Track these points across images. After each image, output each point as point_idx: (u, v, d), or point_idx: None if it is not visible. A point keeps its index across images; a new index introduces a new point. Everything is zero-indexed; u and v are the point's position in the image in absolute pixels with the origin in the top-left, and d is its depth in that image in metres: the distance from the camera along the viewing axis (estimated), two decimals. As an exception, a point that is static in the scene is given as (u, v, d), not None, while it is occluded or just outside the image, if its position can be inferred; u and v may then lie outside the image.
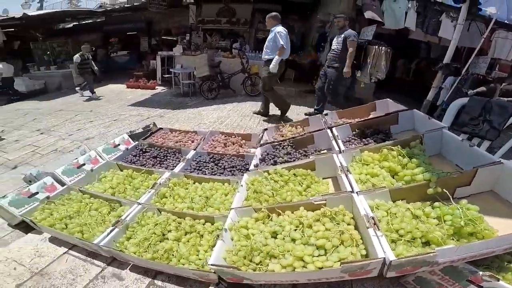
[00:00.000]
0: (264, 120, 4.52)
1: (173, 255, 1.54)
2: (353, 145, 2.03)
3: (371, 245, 1.21)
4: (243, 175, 2.09)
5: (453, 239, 1.21)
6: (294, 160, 2.05)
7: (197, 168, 2.34)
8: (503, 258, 1.22)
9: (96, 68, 7.47)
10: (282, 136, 2.47)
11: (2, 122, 5.15)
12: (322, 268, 1.20)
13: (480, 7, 4.93)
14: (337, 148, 1.93)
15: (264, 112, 4.67)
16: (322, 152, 2.06)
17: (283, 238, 1.41)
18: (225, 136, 2.89)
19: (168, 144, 2.76)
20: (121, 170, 2.36)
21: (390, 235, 1.27)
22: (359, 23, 6.68)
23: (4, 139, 4.53)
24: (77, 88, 7.59)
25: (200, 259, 1.52)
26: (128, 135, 2.93)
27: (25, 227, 2.09)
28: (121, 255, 1.58)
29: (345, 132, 2.20)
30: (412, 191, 1.49)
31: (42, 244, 1.91)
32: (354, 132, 2.20)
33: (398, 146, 1.73)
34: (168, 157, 2.54)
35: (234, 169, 2.30)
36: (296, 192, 1.75)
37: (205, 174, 2.25)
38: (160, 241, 1.62)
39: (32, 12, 10.98)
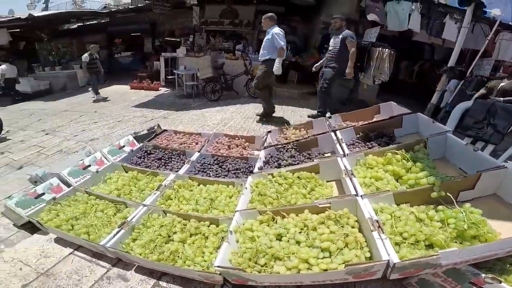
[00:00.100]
0: (266, 122, 4.53)
1: (178, 256, 1.56)
2: (357, 148, 2.04)
3: (375, 248, 1.22)
4: (247, 177, 2.11)
5: (456, 242, 1.22)
6: (298, 163, 2.06)
7: (202, 170, 2.36)
8: (506, 261, 1.22)
9: (101, 69, 7.53)
10: (286, 139, 2.49)
11: (8, 122, 5.18)
12: (326, 270, 1.22)
13: (485, 9, 4.91)
14: (341, 152, 1.94)
15: (266, 113, 4.68)
16: (326, 155, 2.07)
17: (288, 241, 1.43)
18: (229, 138, 2.91)
19: (173, 146, 2.78)
20: (126, 172, 2.38)
21: (394, 238, 1.28)
22: (362, 25, 6.68)
23: (9, 139, 4.59)
24: (89, 89, 7.59)
25: (205, 261, 1.54)
26: (133, 137, 2.96)
27: (30, 227, 2.11)
28: (127, 256, 1.59)
29: (349, 135, 2.21)
30: (416, 194, 1.49)
31: (48, 244, 1.93)
32: (358, 135, 2.21)
33: (402, 150, 1.73)
34: (173, 159, 2.56)
35: (238, 171, 2.31)
36: (300, 195, 1.77)
37: (210, 176, 2.27)
38: (166, 243, 1.64)
39: (38, 13, 11.10)
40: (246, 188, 1.89)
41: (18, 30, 10.27)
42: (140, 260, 1.59)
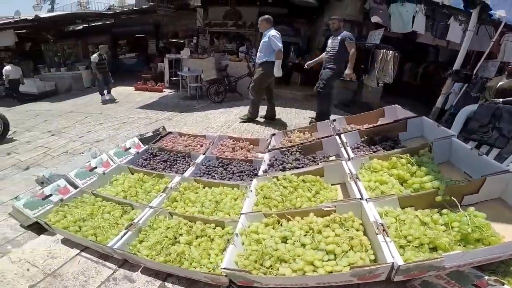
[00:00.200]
0: (270, 125, 4.55)
1: (185, 258, 1.57)
2: (362, 152, 2.04)
3: (379, 250, 1.24)
4: (251, 180, 2.12)
5: (460, 245, 1.23)
6: (302, 166, 2.07)
7: (207, 172, 2.38)
8: (509, 263, 1.24)
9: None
10: (290, 142, 2.50)
11: (14, 123, 5.22)
12: (331, 272, 1.23)
13: (490, 12, 4.89)
14: (346, 155, 1.95)
15: (269, 116, 4.70)
16: (330, 158, 2.08)
17: (293, 243, 1.44)
18: (233, 141, 2.92)
19: (178, 148, 2.80)
20: (132, 174, 2.41)
21: (398, 241, 1.29)
22: (366, 27, 6.68)
23: (16, 140, 4.64)
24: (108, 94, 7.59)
25: (211, 263, 1.55)
26: (139, 139, 2.99)
27: (37, 228, 2.13)
28: (134, 258, 1.61)
29: (354, 138, 2.21)
30: (420, 198, 1.50)
31: (54, 245, 1.94)
32: (362, 139, 2.21)
33: (407, 154, 1.74)
34: (178, 161, 2.58)
35: (243, 174, 2.32)
36: (305, 198, 1.78)
37: (215, 178, 2.28)
38: (172, 245, 1.66)
39: (44, 14, 11.22)
40: (251, 191, 1.91)
41: (24, 31, 10.37)
42: (147, 262, 1.60)
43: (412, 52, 7.84)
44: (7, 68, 8.00)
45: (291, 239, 1.46)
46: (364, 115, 2.59)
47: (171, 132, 3.23)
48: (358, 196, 1.58)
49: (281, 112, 4.80)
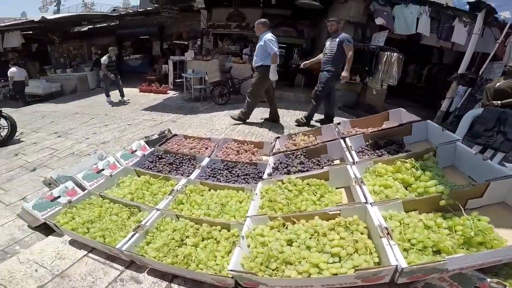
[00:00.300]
0: (273, 127, 4.57)
1: (191, 260, 1.59)
2: (367, 156, 2.05)
3: (384, 253, 1.26)
4: (256, 183, 2.15)
5: (463, 248, 1.24)
6: (307, 170, 2.09)
7: (212, 175, 2.40)
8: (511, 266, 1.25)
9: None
10: (295, 145, 2.51)
11: (21, 124, 5.28)
12: (336, 274, 1.26)
13: (496, 16, 4.87)
14: (350, 159, 1.96)
15: (272, 118, 4.73)
16: (335, 161, 2.09)
17: (299, 246, 1.46)
18: (238, 144, 2.94)
19: (183, 151, 2.83)
20: (139, 176, 2.44)
21: (402, 244, 1.31)
22: (370, 29, 6.68)
23: (23, 141, 4.71)
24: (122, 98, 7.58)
25: (217, 264, 1.57)
26: (145, 141, 3.03)
27: (44, 229, 2.17)
28: (142, 259, 1.64)
29: (358, 142, 2.22)
30: (424, 202, 1.52)
31: (62, 246, 1.96)
32: (367, 143, 2.22)
33: (412, 158, 1.75)
34: (184, 164, 2.61)
35: (248, 177, 2.34)
36: (310, 201, 1.80)
37: (220, 181, 2.30)
38: (179, 247, 1.68)
39: (50, 15, 11.36)
40: (256, 194, 1.93)
41: (31, 32, 10.49)
42: (154, 263, 1.63)
43: (416, 54, 7.82)
44: (12, 70, 8.09)
45: (296, 241, 1.48)
46: (369, 119, 2.60)
47: (177, 135, 3.27)
48: (363, 200, 1.59)
49: (285, 115, 4.81)
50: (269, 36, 4.03)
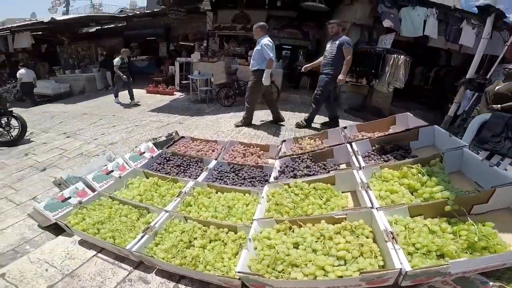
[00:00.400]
0: (279, 130, 4.58)
1: (199, 261, 1.63)
2: (373, 160, 2.06)
3: (388, 257, 1.29)
4: (262, 186, 2.18)
5: (466, 252, 1.27)
6: (313, 174, 2.11)
7: (219, 178, 2.44)
8: (514, 270, 1.27)
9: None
10: (301, 149, 2.53)
11: (31, 124, 5.35)
12: (341, 277, 1.29)
13: (506, 20, 4.81)
14: (357, 164, 1.98)
15: (276, 119, 4.76)
16: (341, 166, 2.10)
17: (305, 249, 1.49)
18: (244, 147, 2.98)
19: (190, 153, 2.87)
20: (147, 178, 2.48)
21: (407, 248, 1.33)
22: (376, 31, 6.66)
23: (33, 141, 4.79)
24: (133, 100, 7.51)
25: (224, 266, 1.60)
26: (153, 143, 3.07)
27: (54, 229, 2.21)
28: (151, 260, 1.68)
29: (365, 147, 2.24)
30: (430, 207, 1.53)
31: (72, 246, 2.00)
32: (373, 147, 2.23)
33: (418, 164, 1.76)
34: (191, 166, 2.65)
35: (254, 180, 2.37)
36: (316, 205, 1.82)
37: (227, 184, 2.33)
38: (187, 248, 1.71)
39: (59, 16, 11.53)
40: (262, 197, 1.96)
41: (40, 33, 10.64)
42: (163, 264, 1.66)
43: (423, 56, 7.76)
44: (21, 71, 8.22)
45: (302, 245, 1.51)
46: (375, 123, 2.61)
47: (184, 137, 3.31)
48: (369, 205, 1.61)
49: (290, 117, 4.83)
50: (266, 41, 4.04)
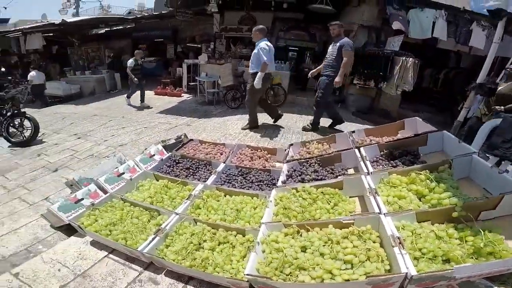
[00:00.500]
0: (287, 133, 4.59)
1: (209, 263, 1.66)
2: (381, 166, 2.07)
3: (395, 261, 1.31)
4: (270, 189, 2.21)
5: (472, 257, 1.28)
6: (321, 178, 2.12)
7: (227, 181, 2.47)
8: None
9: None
10: (309, 153, 2.55)
11: (43, 125, 5.43)
12: (348, 280, 1.31)
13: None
14: (365, 170, 1.99)
15: (276, 118, 4.77)
16: (349, 171, 2.12)
17: (312, 253, 1.51)
18: (252, 150, 3.00)
19: (199, 156, 2.91)
20: (157, 180, 2.53)
21: (413, 253, 1.35)
22: (384, 33, 6.63)
23: (45, 142, 4.89)
24: (143, 103, 7.43)
25: (233, 268, 1.64)
26: (162, 146, 3.13)
27: (66, 229, 2.27)
28: (162, 262, 1.72)
29: (373, 152, 2.24)
30: (437, 213, 1.55)
31: (84, 247, 2.05)
32: (382, 152, 2.24)
33: (427, 170, 1.77)
34: (200, 169, 2.69)
35: (262, 183, 2.40)
36: (324, 210, 1.84)
37: (235, 187, 2.37)
38: (196, 250, 1.75)
39: (70, 18, 11.75)
40: (270, 201, 1.98)
41: (51, 34, 10.83)
42: (173, 266, 1.70)
43: (432, 58, 7.68)
44: (32, 74, 8.37)
45: (310, 248, 1.54)
46: (384, 127, 2.61)
47: (192, 140, 3.36)
48: (377, 210, 1.63)
49: (297, 120, 4.83)
50: (263, 44, 4.07)
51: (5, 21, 18.88)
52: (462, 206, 1.46)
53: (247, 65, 7.50)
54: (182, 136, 3.45)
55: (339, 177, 2.04)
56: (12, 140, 4.85)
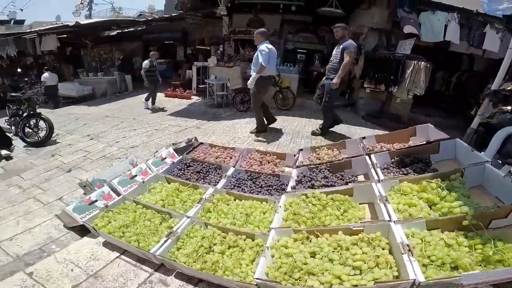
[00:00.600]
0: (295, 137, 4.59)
1: (219, 266, 1.69)
2: (392, 173, 2.07)
3: (403, 268, 1.33)
4: (279, 194, 2.23)
5: (480, 265, 1.29)
6: (331, 185, 2.13)
7: (237, 185, 2.50)
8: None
9: (160, 79, 7.59)
10: (319, 159, 2.55)
11: (57, 125, 5.52)
12: (357, 285, 1.33)
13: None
14: (375, 177, 1.99)
15: (270, 122, 4.77)
16: (359, 177, 2.11)
17: (321, 258, 1.53)
18: (261, 155, 3.03)
19: (209, 160, 2.95)
20: (169, 183, 2.58)
21: (422, 260, 1.37)
22: (395, 36, 6.57)
23: (59, 142, 5.00)
24: (143, 101, 7.41)
25: (242, 272, 1.66)
26: (173, 149, 3.18)
27: (79, 230, 2.31)
28: (173, 264, 1.76)
29: (384, 159, 2.24)
30: (448, 222, 1.55)
31: (97, 247, 2.08)
32: (392, 160, 2.23)
33: (438, 179, 1.76)
34: (210, 173, 2.73)
35: (271, 188, 2.42)
36: (334, 216, 1.85)
37: (244, 192, 2.39)
38: (207, 253, 1.78)
39: (84, 20, 12.01)
40: (280, 206, 2.00)
41: (65, 36, 11.07)
42: (184, 268, 1.74)
43: (444, 61, 7.56)
44: (45, 75, 8.59)
45: (319, 254, 1.55)
46: (395, 134, 2.60)
47: (203, 143, 3.41)
48: (387, 218, 1.64)
49: (306, 124, 4.81)
50: (263, 46, 4.09)
51: (21, 22, 19.48)
52: (473, 215, 1.46)
53: (255, 68, 7.56)
54: (193, 140, 3.50)
55: (349, 184, 2.05)
56: (28, 140, 4.98)
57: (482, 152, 2.18)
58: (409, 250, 1.36)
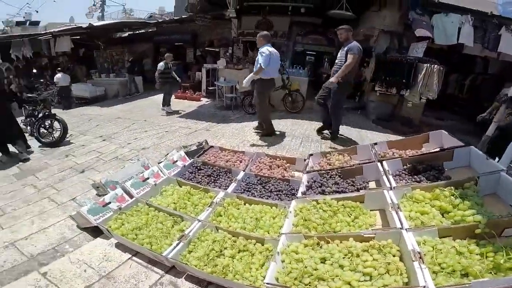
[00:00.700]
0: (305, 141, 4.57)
1: (229, 270, 1.71)
2: (404, 180, 2.05)
3: (413, 275, 1.33)
4: (289, 199, 2.24)
5: (491, 272, 1.28)
6: (342, 191, 2.12)
7: (247, 189, 2.52)
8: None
9: (178, 78, 7.61)
10: (330, 165, 2.55)
11: (70, 126, 5.59)
12: None
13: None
14: (387, 184, 1.97)
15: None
16: (370, 183, 2.10)
17: (332, 264, 1.53)
18: (270, 159, 3.04)
19: (220, 163, 2.98)
20: (180, 186, 2.62)
21: (433, 267, 1.36)
22: (406, 38, 6.48)
23: (72, 143, 5.11)
24: (162, 108, 7.18)
25: (252, 276, 1.68)
26: (184, 152, 3.23)
27: (92, 230, 2.36)
28: (185, 267, 1.79)
29: (396, 166, 2.21)
30: (460, 230, 1.54)
31: (109, 249, 2.11)
32: (405, 166, 2.20)
33: (451, 187, 1.74)
34: (220, 176, 2.76)
35: (281, 193, 2.43)
36: (344, 222, 1.85)
37: (254, 196, 2.41)
38: (217, 257, 1.81)
39: (97, 22, 12.27)
40: (290, 212, 2.01)
41: (79, 37, 11.32)
42: (195, 271, 1.76)
43: (458, 64, 7.42)
44: (58, 76, 8.79)
45: (329, 260, 1.56)
46: (407, 140, 2.57)
47: (213, 146, 3.45)
48: (398, 225, 1.63)
49: (316, 128, 4.75)
50: (264, 49, 4.10)
51: (36, 23, 20.03)
52: (486, 223, 1.45)
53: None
54: (203, 143, 3.54)
55: (360, 191, 2.04)
56: (42, 140, 5.10)
57: (496, 159, 2.14)
58: (420, 257, 1.36)
